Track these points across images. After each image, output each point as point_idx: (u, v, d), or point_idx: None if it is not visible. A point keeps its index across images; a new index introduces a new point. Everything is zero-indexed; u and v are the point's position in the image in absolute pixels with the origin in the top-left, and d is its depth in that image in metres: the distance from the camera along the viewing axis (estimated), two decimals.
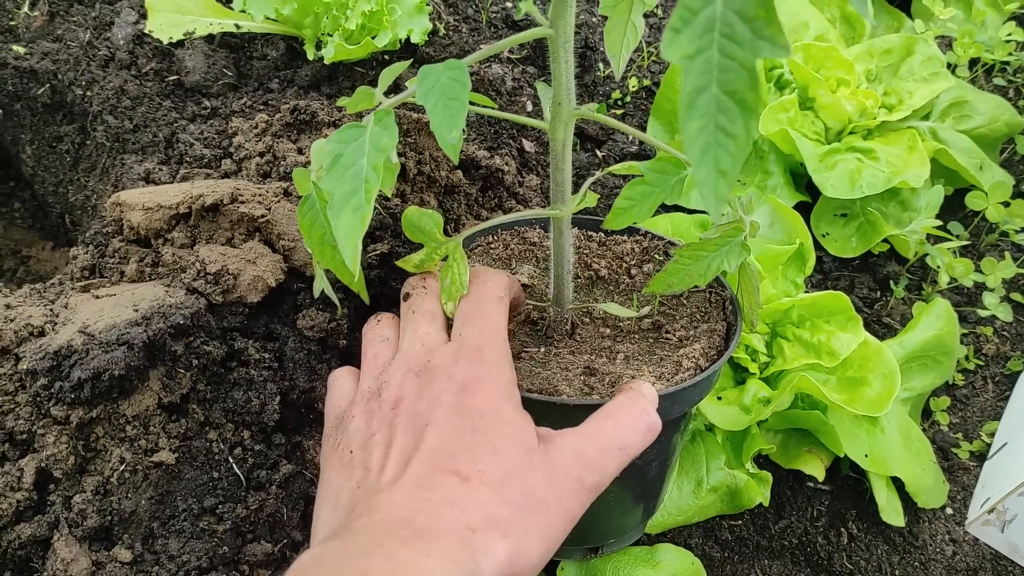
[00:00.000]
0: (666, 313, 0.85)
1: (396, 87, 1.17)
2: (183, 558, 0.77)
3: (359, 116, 1.10)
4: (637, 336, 0.82)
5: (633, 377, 0.72)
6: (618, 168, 0.85)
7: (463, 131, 1.16)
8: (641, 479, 0.81)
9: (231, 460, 0.83)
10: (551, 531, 0.60)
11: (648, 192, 0.70)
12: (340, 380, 0.74)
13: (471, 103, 0.72)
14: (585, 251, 0.91)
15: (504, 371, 0.66)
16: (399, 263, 0.75)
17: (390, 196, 0.73)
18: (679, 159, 0.71)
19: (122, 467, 0.77)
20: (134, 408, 0.78)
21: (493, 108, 0.73)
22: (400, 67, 0.67)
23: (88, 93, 1.22)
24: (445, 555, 0.53)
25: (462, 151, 1.17)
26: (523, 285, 0.85)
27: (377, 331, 0.75)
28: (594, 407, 0.68)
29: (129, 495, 0.78)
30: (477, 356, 0.66)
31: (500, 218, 0.80)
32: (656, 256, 0.90)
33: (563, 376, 0.74)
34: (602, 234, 0.93)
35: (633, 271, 0.89)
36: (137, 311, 0.80)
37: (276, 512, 0.83)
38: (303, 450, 0.88)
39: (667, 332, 0.82)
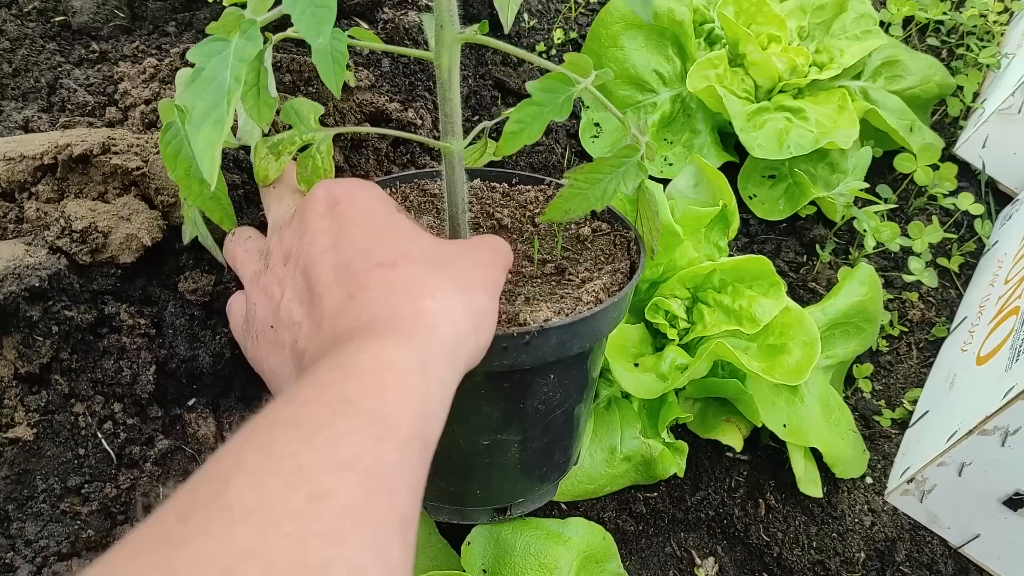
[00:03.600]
0: (570, 258, 0.82)
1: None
2: (41, 543, 0.71)
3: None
4: (540, 280, 0.79)
5: (531, 312, 0.69)
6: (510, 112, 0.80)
7: (351, 65, 1.08)
8: (545, 427, 0.77)
9: (100, 435, 0.76)
10: (490, 286, 0.60)
11: (538, 113, 0.66)
12: (234, 303, 0.73)
13: (352, 37, 0.67)
14: (488, 201, 0.87)
15: (372, 184, 0.66)
16: (257, 142, 0.70)
17: (266, 131, 0.68)
18: (567, 76, 0.67)
19: None
20: None
21: (377, 43, 0.68)
22: None
23: None
24: (393, 332, 0.51)
25: (371, 102, 1.10)
26: None
27: (239, 235, 0.74)
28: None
29: None
30: (341, 182, 0.65)
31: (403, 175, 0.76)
32: None
33: None
34: (506, 184, 0.89)
35: (537, 219, 0.85)
36: None
37: (151, 491, 0.77)
38: (184, 423, 0.81)
39: (570, 275, 0.79)
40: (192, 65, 0.87)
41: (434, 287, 0.56)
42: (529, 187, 0.88)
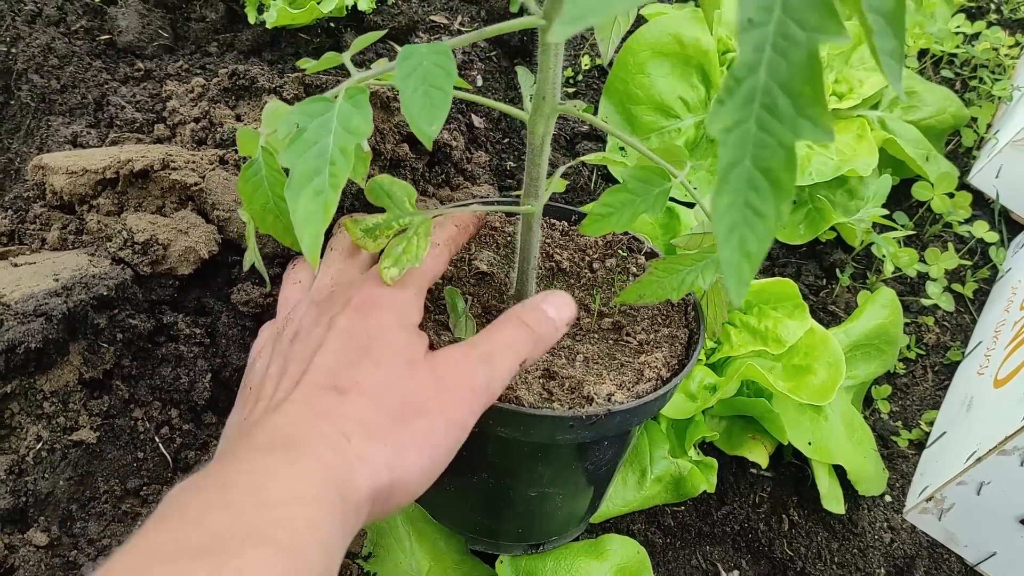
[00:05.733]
0: (627, 313, 0.82)
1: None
2: (103, 542, 0.73)
3: (302, 83, 1.05)
4: (596, 336, 0.79)
5: (595, 383, 0.70)
6: (591, 159, 0.82)
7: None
8: (591, 481, 0.80)
9: (157, 440, 0.79)
10: (434, 439, 0.58)
11: (629, 200, 0.66)
12: (264, 329, 0.72)
13: None
14: (547, 240, 0.87)
15: (405, 296, 0.63)
16: (346, 220, 0.67)
17: (362, 185, 0.68)
18: (663, 170, 0.67)
19: (39, 445, 0.73)
20: (53, 383, 0.74)
21: (470, 91, 0.69)
22: (374, 36, 0.62)
23: (12, 50, 1.15)
24: (312, 461, 0.51)
25: (407, 123, 1.13)
26: (482, 273, 0.82)
27: (291, 274, 0.74)
28: (556, 419, 0.66)
29: (46, 475, 0.73)
30: (378, 281, 0.63)
31: (471, 203, 0.76)
32: (619, 251, 0.87)
33: (522, 378, 0.71)
34: (565, 223, 0.89)
35: (595, 265, 0.86)
36: (58, 281, 0.75)
37: None
38: None
39: (628, 334, 0.79)
40: (282, 96, 0.87)
41: (367, 431, 0.55)
42: None
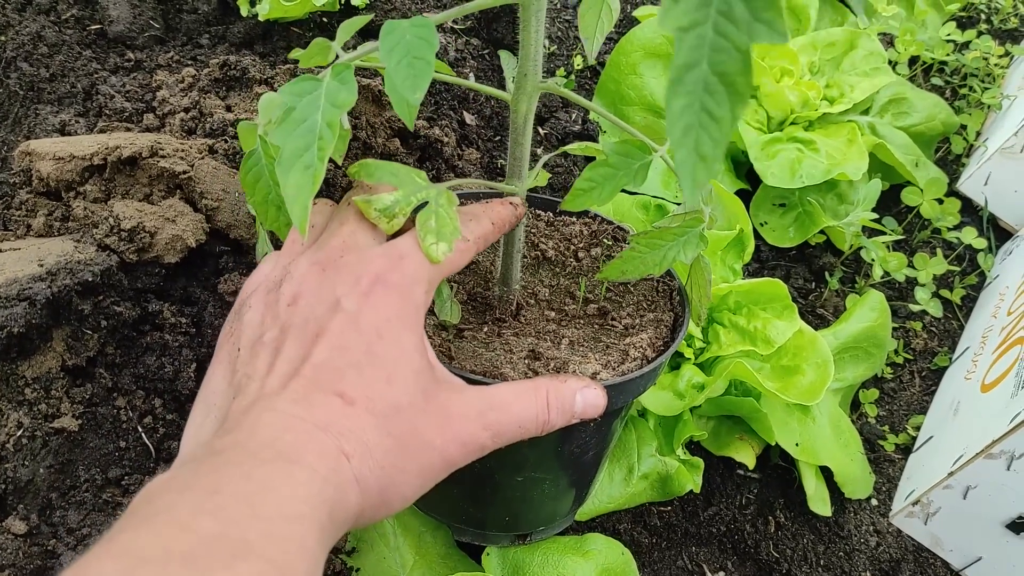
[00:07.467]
0: (612, 299, 0.82)
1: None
2: (83, 531, 0.72)
3: (293, 75, 1.05)
4: (582, 321, 0.79)
5: (580, 363, 0.69)
6: (574, 148, 0.81)
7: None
8: (577, 467, 0.79)
9: (140, 429, 0.78)
10: (427, 473, 0.58)
11: (610, 175, 0.66)
12: (267, 260, 0.67)
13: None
14: (533, 230, 0.87)
15: (417, 293, 0.60)
16: (359, 200, 0.63)
17: (340, 164, 0.67)
18: (644, 143, 0.67)
19: (19, 432, 0.72)
20: (35, 369, 0.73)
21: (452, 75, 0.69)
22: (361, 21, 0.62)
23: (1, 38, 1.15)
24: (309, 477, 0.49)
25: (400, 119, 1.12)
26: None
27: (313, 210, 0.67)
28: None
29: (26, 463, 0.72)
30: (397, 264, 0.59)
31: (463, 180, 0.75)
32: (604, 240, 0.87)
33: (507, 359, 0.70)
34: (550, 214, 0.89)
35: (580, 254, 0.85)
36: (42, 266, 0.74)
37: None
38: None
39: (613, 319, 0.79)
40: (273, 88, 0.87)
41: (368, 452, 0.53)
42: (574, 219, 0.88)
